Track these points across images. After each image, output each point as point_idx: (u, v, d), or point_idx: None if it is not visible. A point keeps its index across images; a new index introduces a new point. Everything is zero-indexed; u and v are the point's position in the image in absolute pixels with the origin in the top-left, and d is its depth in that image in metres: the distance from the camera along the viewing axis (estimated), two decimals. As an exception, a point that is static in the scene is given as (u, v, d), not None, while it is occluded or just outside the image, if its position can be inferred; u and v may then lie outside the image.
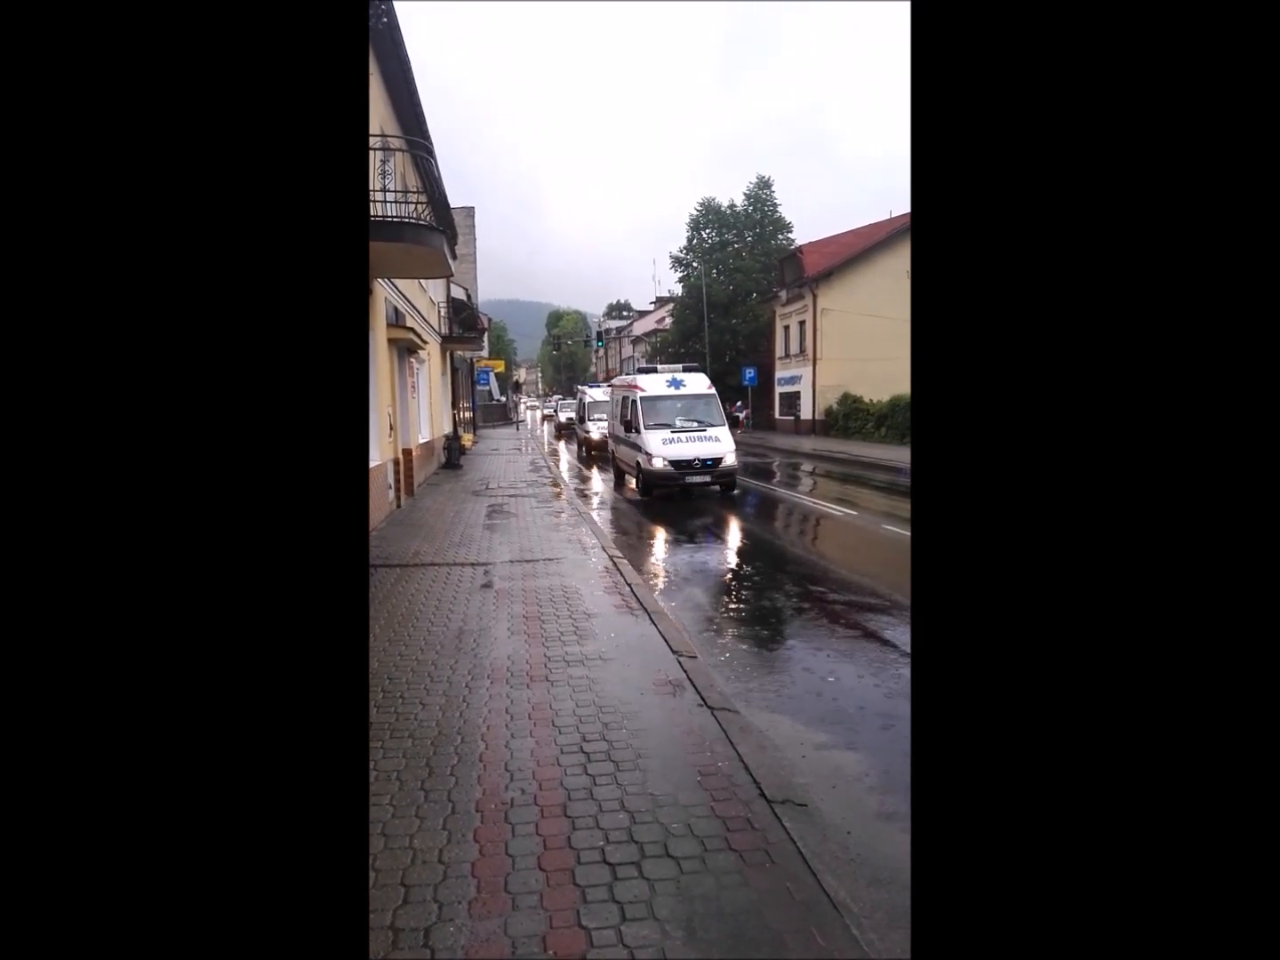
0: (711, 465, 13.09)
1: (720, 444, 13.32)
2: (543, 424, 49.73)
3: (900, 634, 5.95)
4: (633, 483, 14.78)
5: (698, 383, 14.65)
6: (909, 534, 9.71)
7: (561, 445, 29.71)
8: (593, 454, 22.57)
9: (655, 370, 15.36)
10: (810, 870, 2.78)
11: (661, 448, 13.13)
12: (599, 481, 17.57)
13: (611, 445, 17.21)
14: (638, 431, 13.76)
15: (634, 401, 14.21)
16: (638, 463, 13.70)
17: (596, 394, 24.13)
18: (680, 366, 15.28)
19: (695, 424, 13.70)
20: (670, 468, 13.02)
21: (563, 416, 37.29)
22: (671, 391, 14.30)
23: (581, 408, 25.23)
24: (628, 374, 22.13)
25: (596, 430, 22.16)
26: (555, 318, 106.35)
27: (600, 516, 12.03)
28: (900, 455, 18.84)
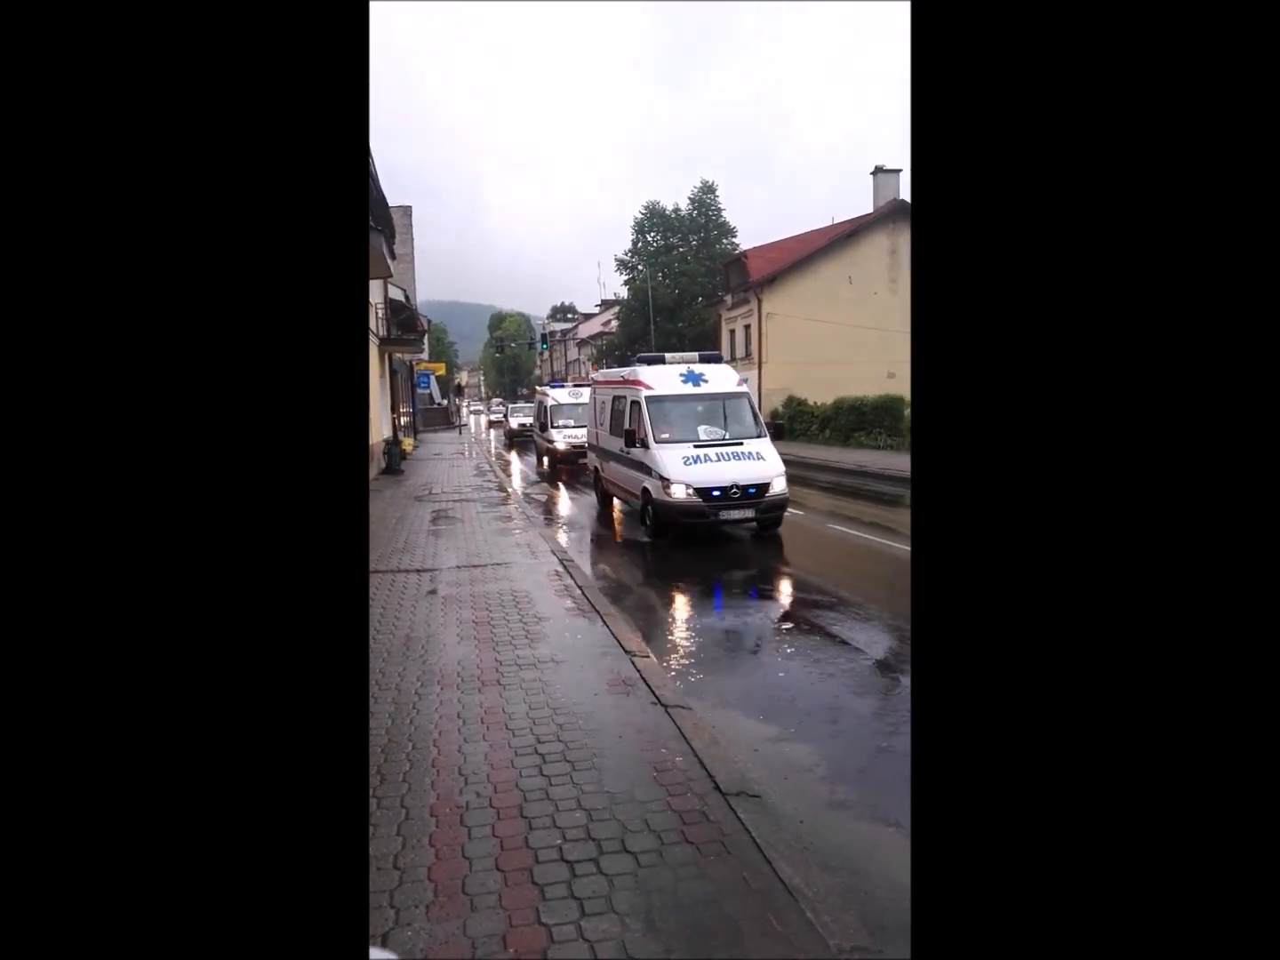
0: (755, 494, 9.27)
1: (765, 464, 9.53)
2: (488, 430, 43.97)
3: (847, 629, 6.09)
4: (619, 507, 11.85)
5: (724, 378, 10.63)
6: (854, 533, 9.98)
7: (514, 456, 25.65)
8: (559, 467, 18.71)
9: (663, 360, 10.95)
10: (765, 859, 2.84)
11: (682, 470, 9.28)
12: (566, 502, 14.25)
13: (596, 463, 12.56)
14: (644, 446, 9.79)
15: (637, 403, 10.19)
16: (645, 490, 9.76)
17: (561, 396, 19.92)
18: (696, 355, 11.07)
19: (726, 435, 9.94)
20: (696, 498, 9.16)
21: (515, 422, 31.46)
22: (689, 390, 10.23)
23: (543, 412, 20.13)
24: (613, 367, 20.15)
25: (563, 439, 18.26)
26: (498, 320, 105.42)
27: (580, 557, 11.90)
28: (843, 456, 19.26)
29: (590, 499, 13.60)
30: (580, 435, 16.38)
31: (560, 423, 18.84)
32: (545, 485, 17.13)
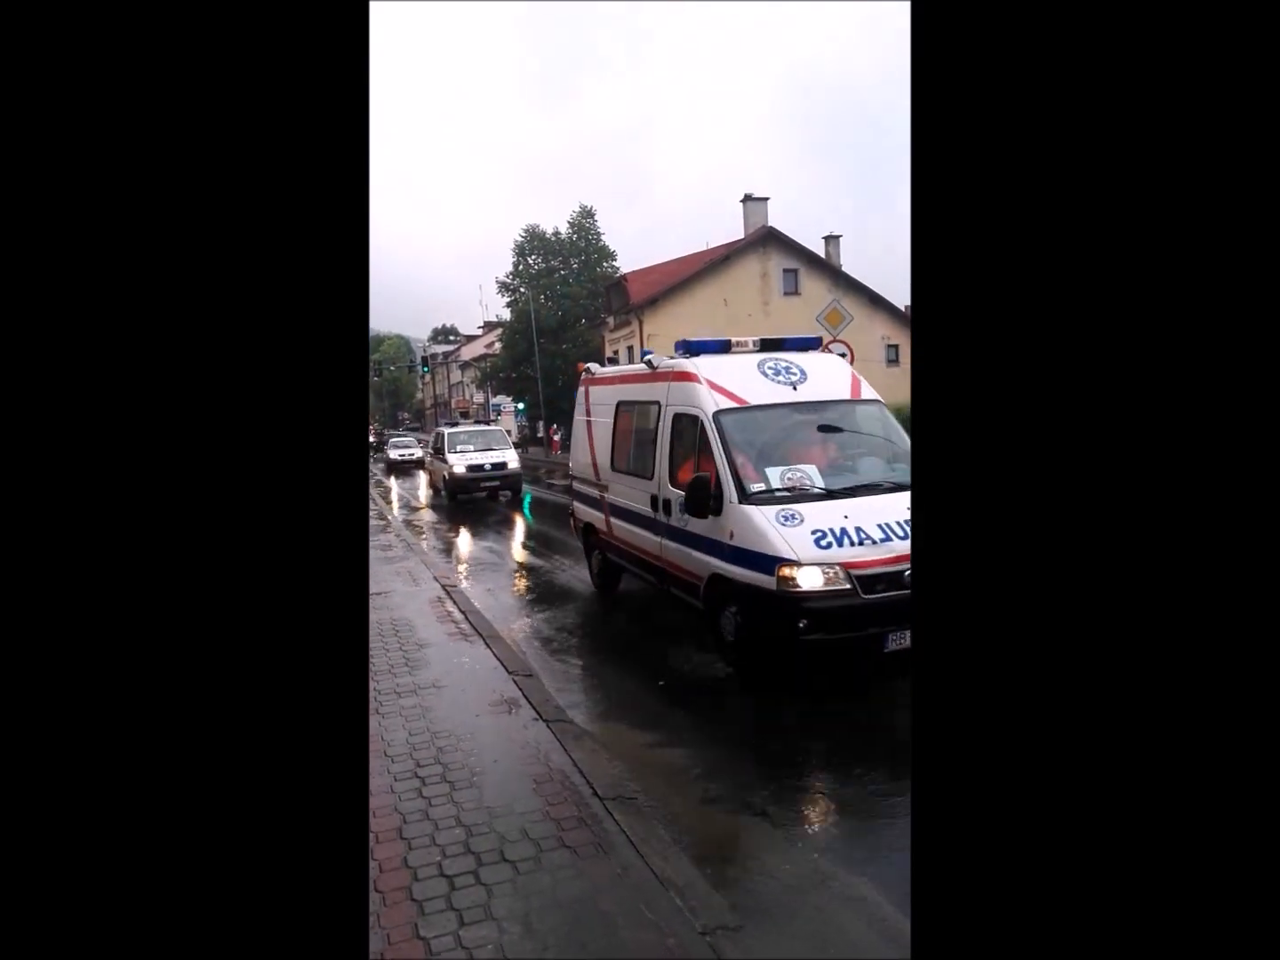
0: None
1: None
2: (389, 477, 26.30)
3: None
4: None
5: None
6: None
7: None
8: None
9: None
10: (640, 855, 3.00)
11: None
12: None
13: None
14: None
15: None
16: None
17: (746, 375, 5.87)
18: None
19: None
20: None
21: (460, 464, 15.87)
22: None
23: (704, 438, 5.51)
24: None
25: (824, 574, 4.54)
26: (376, 342, 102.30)
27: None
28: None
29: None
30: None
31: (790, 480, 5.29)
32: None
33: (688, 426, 5.80)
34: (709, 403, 5.60)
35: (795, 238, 29.57)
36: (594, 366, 8.20)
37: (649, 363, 6.53)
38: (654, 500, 6.09)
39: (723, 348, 6.28)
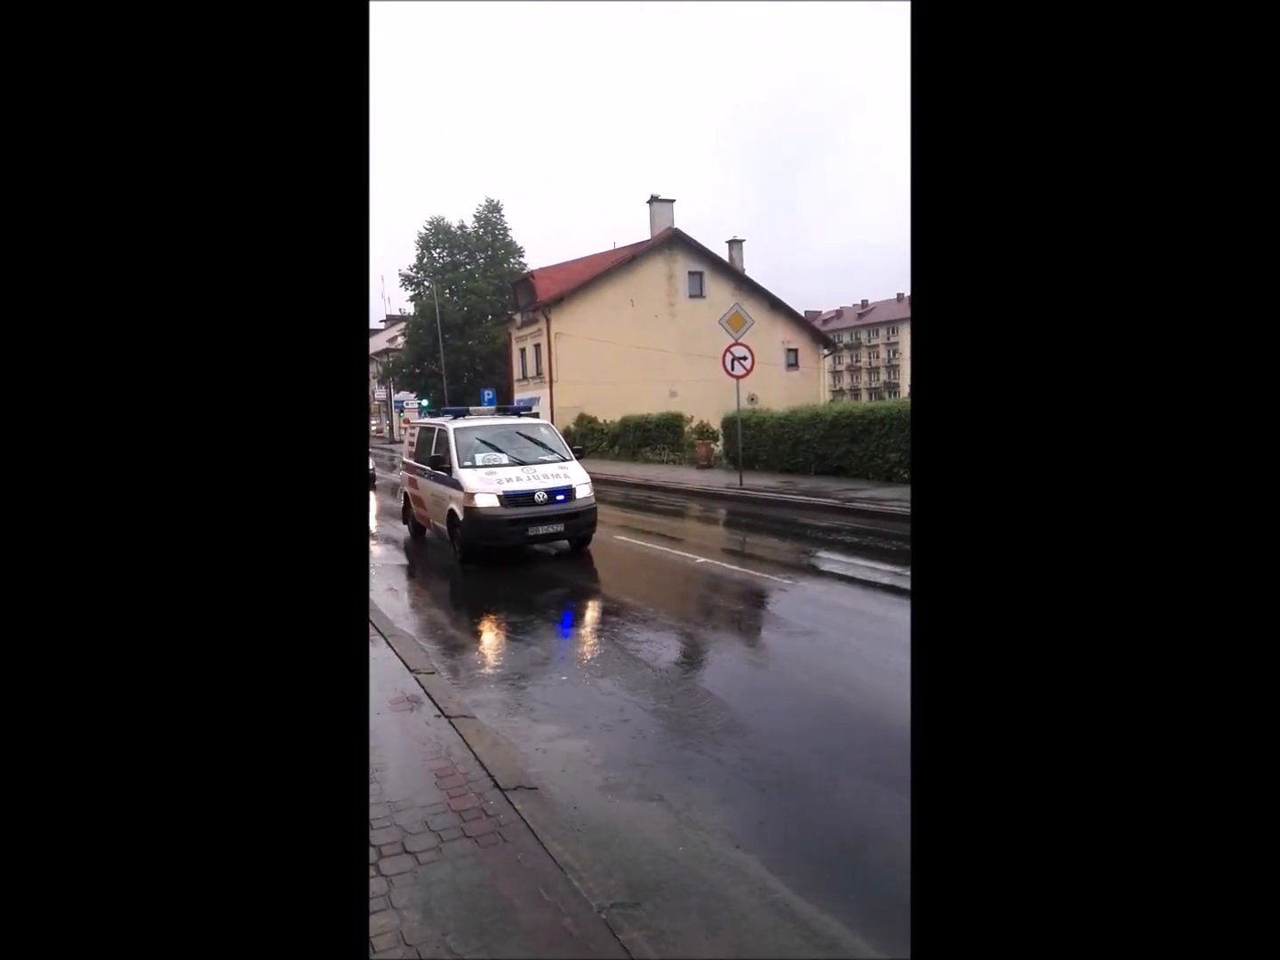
0: None
1: None
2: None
3: (624, 631, 6.53)
4: None
5: None
6: (641, 543, 10.54)
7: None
8: None
9: None
10: (539, 842, 3.10)
11: None
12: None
13: None
14: None
15: None
16: None
17: None
18: None
19: None
20: None
21: (493, 494, 8.69)
22: None
23: None
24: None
25: None
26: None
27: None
28: (631, 471, 20.14)
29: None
30: None
31: None
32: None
33: None
34: None
35: (700, 240, 30.13)
36: None
37: None
38: None
39: None
